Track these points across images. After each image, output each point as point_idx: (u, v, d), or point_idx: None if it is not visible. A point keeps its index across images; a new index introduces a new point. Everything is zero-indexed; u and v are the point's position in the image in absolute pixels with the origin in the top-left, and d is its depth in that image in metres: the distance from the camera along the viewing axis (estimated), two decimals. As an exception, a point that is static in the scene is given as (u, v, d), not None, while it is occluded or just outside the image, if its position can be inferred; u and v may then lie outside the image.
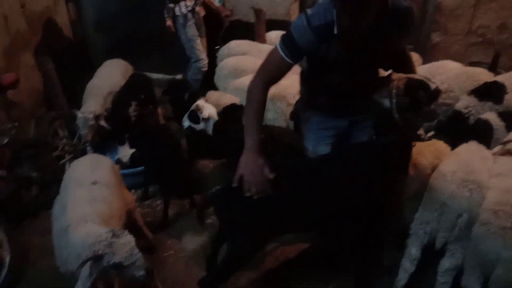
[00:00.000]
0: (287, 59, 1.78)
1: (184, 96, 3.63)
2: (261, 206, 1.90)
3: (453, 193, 2.02)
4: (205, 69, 4.34)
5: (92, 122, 3.48)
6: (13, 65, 3.79)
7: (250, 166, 1.77)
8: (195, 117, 3.14)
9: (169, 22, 4.13)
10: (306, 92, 2.17)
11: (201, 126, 3.14)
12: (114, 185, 2.26)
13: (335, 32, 1.69)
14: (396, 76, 1.82)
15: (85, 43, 5.23)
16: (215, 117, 3.13)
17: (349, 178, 1.95)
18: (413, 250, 2.23)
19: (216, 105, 3.40)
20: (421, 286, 2.33)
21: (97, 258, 1.72)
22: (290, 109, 3.15)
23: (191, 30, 4.15)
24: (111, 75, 4.04)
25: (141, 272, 1.75)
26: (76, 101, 3.78)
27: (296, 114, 2.96)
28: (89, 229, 1.84)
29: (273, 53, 1.82)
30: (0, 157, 2.96)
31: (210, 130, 3.13)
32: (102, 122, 3.55)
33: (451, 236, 2.08)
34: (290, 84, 3.02)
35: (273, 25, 4.42)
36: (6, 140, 2.89)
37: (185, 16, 4.09)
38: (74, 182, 2.19)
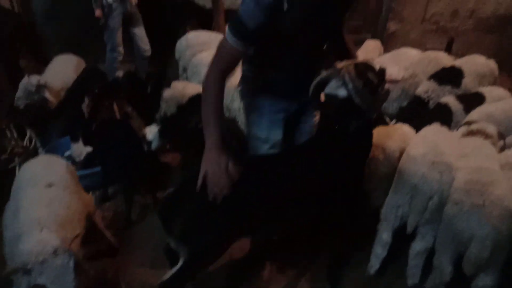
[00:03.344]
0: (239, 46, 1.70)
1: (146, 88, 3.46)
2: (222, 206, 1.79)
3: (423, 175, 2.03)
4: (120, 58, 4.29)
5: (31, 89, 3.20)
6: None
7: (213, 166, 1.70)
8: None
9: (97, 13, 3.96)
10: (254, 77, 2.04)
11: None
12: (71, 187, 2.09)
13: (285, 8, 1.65)
14: (340, 64, 1.79)
15: (33, 34, 4.91)
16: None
17: (319, 167, 1.90)
18: (384, 235, 2.23)
19: (181, 96, 3.30)
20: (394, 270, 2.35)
21: (25, 272, 1.55)
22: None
23: (114, 21, 4.04)
24: (62, 70, 3.80)
25: None
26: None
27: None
28: (42, 237, 1.67)
29: (223, 43, 1.74)
30: None
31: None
32: (47, 94, 3.26)
33: (422, 219, 2.09)
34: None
35: (232, 15, 4.31)
36: None
37: (110, 6, 3.95)
38: (26, 184, 2.00)
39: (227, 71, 1.78)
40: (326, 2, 1.72)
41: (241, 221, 1.83)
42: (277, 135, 2.08)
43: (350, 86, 1.68)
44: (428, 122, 2.55)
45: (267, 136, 2.08)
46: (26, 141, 3.46)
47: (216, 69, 1.76)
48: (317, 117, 2.20)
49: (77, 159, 3.05)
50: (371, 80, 1.73)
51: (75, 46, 4.34)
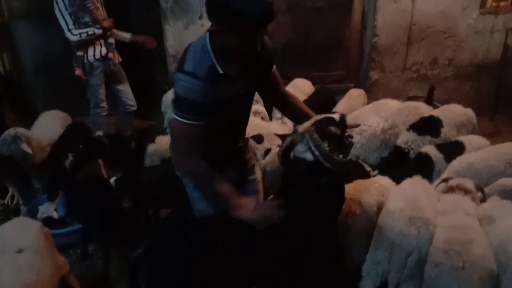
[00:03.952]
0: (198, 122, 1.75)
1: (129, 145, 3.49)
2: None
3: (401, 231, 1.99)
4: (104, 114, 4.28)
5: (8, 138, 3.20)
6: None
7: (253, 212, 1.74)
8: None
9: (77, 72, 3.99)
10: None
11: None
12: (43, 251, 2.03)
13: (220, 72, 1.71)
14: (301, 128, 1.79)
15: (22, 91, 5.03)
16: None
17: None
18: (366, 293, 2.17)
19: (165, 150, 3.29)
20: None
21: None
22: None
23: (95, 79, 4.05)
24: (49, 126, 3.84)
25: None
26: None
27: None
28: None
29: (183, 127, 1.76)
30: None
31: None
32: (24, 146, 3.22)
33: (402, 276, 2.03)
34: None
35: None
36: None
37: (91, 65, 3.98)
38: None
39: (202, 148, 1.82)
40: (253, 60, 1.79)
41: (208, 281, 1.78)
42: (223, 207, 2.03)
43: (317, 153, 1.68)
44: (410, 172, 2.54)
45: (215, 210, 2.03)
46: (7, 199, 3.43)
47: (192, 152, 1.80)
48: (258, 174, 2.25)
49: (39, 216, 3.03)
50: (335, 133, 1.74)
51: (63, 102, 4.42)
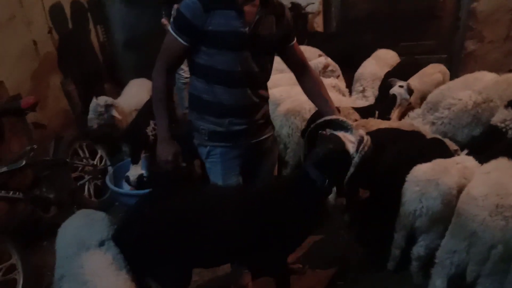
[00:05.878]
0: (179, 39, 1.81)
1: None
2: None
3: (485, 221, 1.78)
4: (184, 81, 4.22)
5: (101, 109, 3.46)
6: (42, 87, 3.89)
7: (165, 155, 1.95)
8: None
9: (163, 21, 3.98)
10: (201, 125, 2.01)
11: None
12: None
13: None
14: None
15: (113, 63, 5.38)
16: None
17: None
18: (438, 282, 2.00)
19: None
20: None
21: None
22: (305, 124, 2.95)
23: None
24: (137, 93, 4.10)
25: None
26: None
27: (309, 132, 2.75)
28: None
29: (168, 36, 1.84)
30: (17, 180, 2.99)
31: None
32: (114, 112, 3.49)
33: (484, 270, 1.83)
34: (305, 99, 2.85)
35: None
36: (23, 163, 2.90)
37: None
38: (77, 248, 1.85)
39: (172, 65, 1.92)
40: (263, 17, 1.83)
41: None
42: (233, 182, 2.05)
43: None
44: (505, 154, 2.26)
45: (224, 184, 2.04)
46: (96, 160, 3.74)
47: (161, 63, 1.89)
48: (272, 159, 2.25)
49: (131, 179, 3.22)
50: None
51: (150, 74, 4.62)
